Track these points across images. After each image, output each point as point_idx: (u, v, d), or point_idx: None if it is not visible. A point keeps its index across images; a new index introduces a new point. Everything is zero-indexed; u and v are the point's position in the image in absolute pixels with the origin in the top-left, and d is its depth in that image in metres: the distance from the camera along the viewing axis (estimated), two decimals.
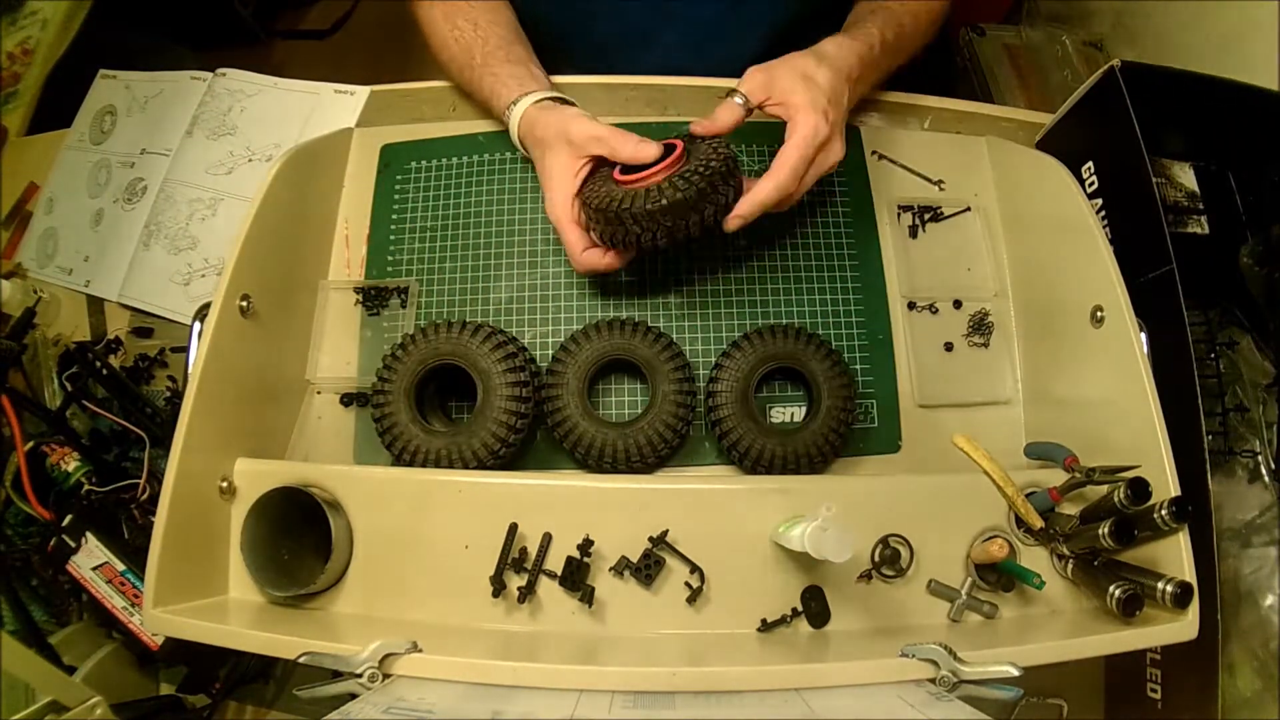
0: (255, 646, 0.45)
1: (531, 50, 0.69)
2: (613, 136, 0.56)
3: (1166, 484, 0.47)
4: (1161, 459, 0.48)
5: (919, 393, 0.63)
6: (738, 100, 0.56)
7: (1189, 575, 0.46)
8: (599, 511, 0.50)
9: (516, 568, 0.49)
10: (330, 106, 0.76)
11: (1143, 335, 0.52)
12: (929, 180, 0.70)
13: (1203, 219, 0.66)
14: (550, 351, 0.61)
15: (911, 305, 0.66)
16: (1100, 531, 0.46)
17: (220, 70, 0.81)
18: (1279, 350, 0.61)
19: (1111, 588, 0.45)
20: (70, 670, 0.55)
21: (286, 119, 0.77)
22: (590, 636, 0.49)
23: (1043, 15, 1.09)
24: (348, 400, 0.63)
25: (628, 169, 0.55)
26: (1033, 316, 0.64)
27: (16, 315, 0.69)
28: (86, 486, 0.61)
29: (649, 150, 0.54)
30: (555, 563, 0.49)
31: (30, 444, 0.61)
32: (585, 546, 0.49)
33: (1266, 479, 0.58)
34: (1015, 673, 0.40)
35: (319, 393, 0.64)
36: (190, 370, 0.52)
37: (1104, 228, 0.58)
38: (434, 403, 0.62)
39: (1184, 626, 0.46)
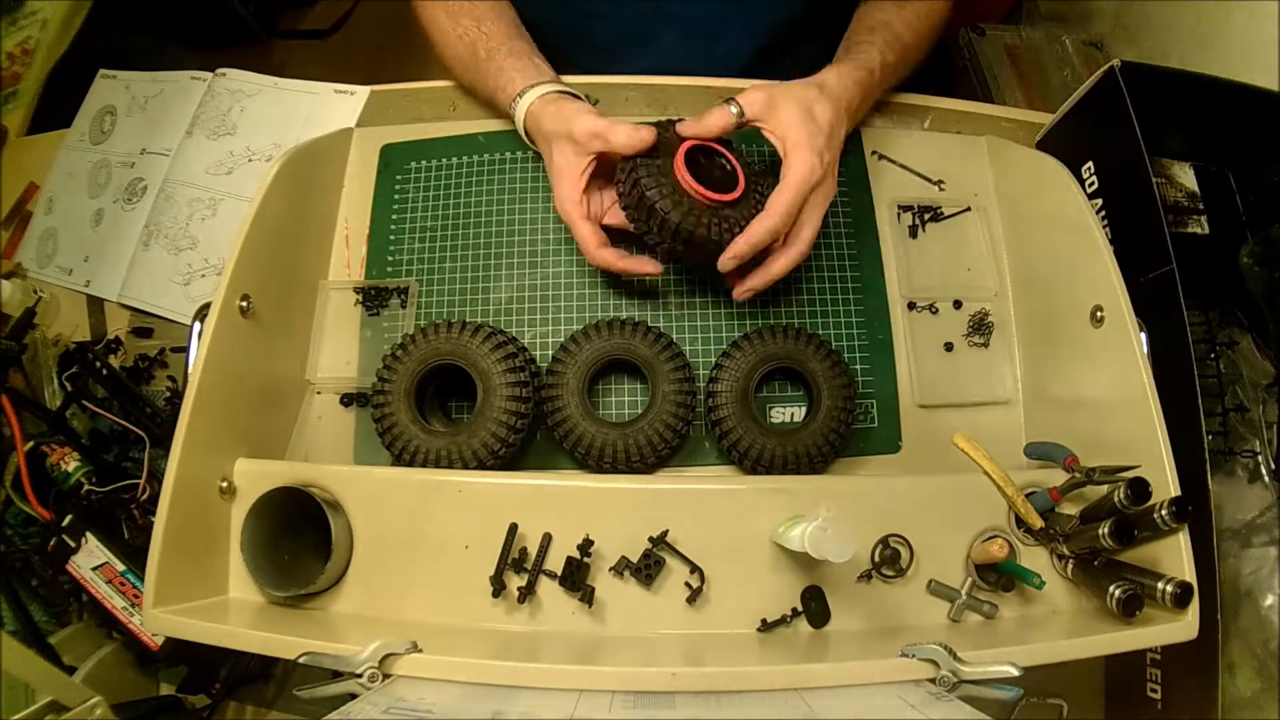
0: (255, 646, 0.45)
1: (534, 45, 0.69)
2: (610, 131, 0.55)
3: (1166, 484, 0.47)
4: (1161, 459, 0.48)
5: (919, 393, 0.63)
6: (733, 110, 0.56)
7: (1189, 575, 0.46)
8: (599, 511, 0.50)
9: (516, 568, 0.49)
10: (330, 106, 0.77)
11: (1143, 335, 0.52)
12: (929, 180, 0.70)
13: (1203, 219, 0.66)
14: (550, 351, 0.61)
15: (911, 305, 0.66)
16: (1100, 531, 0.46)
17: (220, 70, 0.81)
18: (1279, 350, 0.61)
19: (1111, 588, 0.45)
20: (70, 670, 0.55)
21: (286, 119, 0.77)
22: (590, 636, 0.49)
23: (1043, 15, 1.09)
24: (348, 400, 0.63)
25: (694, 169, 0.55)
26: (1033, 316, 0.64)
27: (16, 315, 0.69)
28: (86, 486, 0.61)
29: (642, 136, 0.54)
30: (555, 563, 0.49)
31: (30, 444, 0.61)
32: (585, 546, 0.49)
33: (1266, 479, 0.58)
34: (1015, 673, 0.40)
35: (319, 393, 0.64)
36: (190, 370, 0.52)
37: (1104, 228, 0.58)
38: (434, 403, 0.62)
39: (1184, 626, 0.46)
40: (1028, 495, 0.50)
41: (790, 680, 0.41)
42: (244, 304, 0.54)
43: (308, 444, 0.62)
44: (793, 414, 0.63)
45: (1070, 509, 0.50)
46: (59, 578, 0.59)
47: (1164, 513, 0.45)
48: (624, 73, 0.74)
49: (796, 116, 0.55)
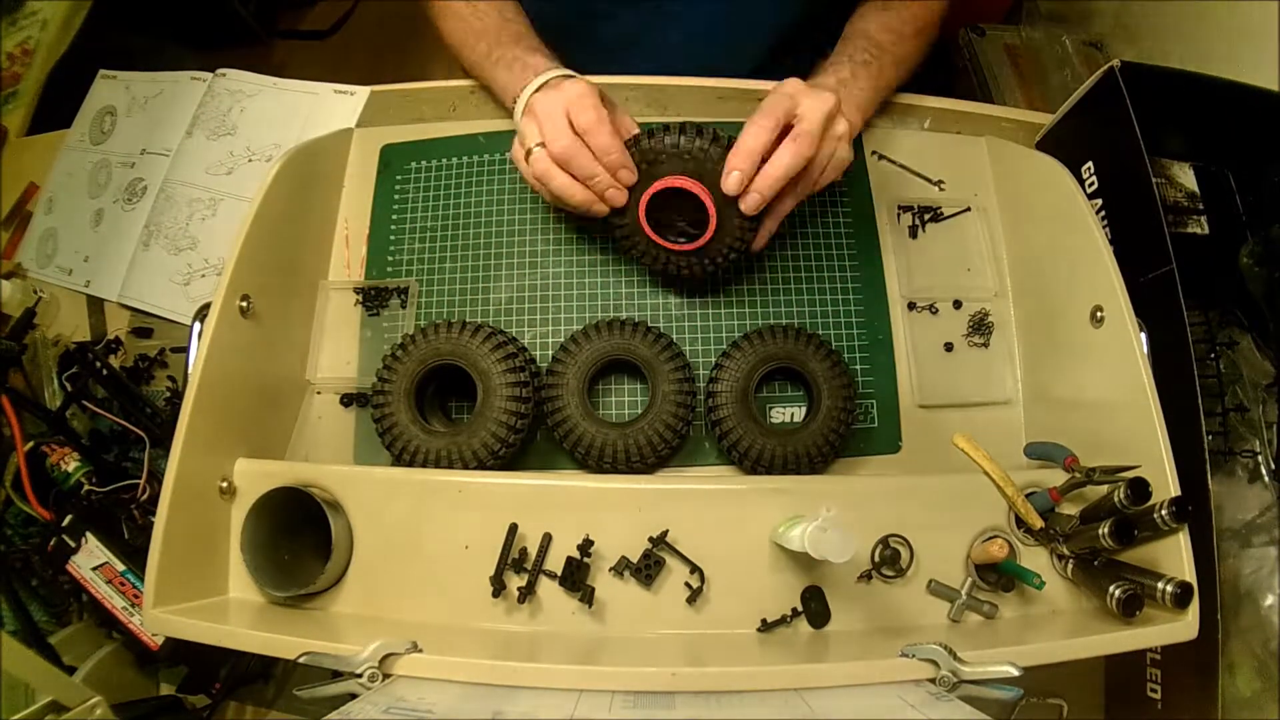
0: (255, 646, 0.45)
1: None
2: (596, 133, 0.52)
3: (1166, 484, 0.47)
4: (1161, 459, 0.48)
5: (919, 393, 0.63)
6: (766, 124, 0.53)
7: (1189, 575, 0.46)
8: (599, 511, 0.50)
9: (516, 568, 0.49)
10: (330, 106, 0.77)
11: (1143, 335, 0.52)
12: (929, 180, 0.70)
13: (1203, 219, 0.66)
14: (550, 351, 0.61)
15: (911, 305, 0.66)
16: (1100, 531, 0.46)
17: (220, 70, 0.81)
18: (1279, 350, 0.61)
19: (1111, 588, 0.45)
20: (70, 670, 0.55)
21: (286, 119, 0.77)
22: (590, 636, 0.49)
23: (1043, 15, 1.09)
24: (348, 400, 0.63)
25: (662, 213, 0.56)
26: (1033, 316, 0.64)
27: (16, 315, 0.69)
28: (86, 486, 0.61)
29: (612, 203, 0.54)
30: (555, 563, 0.49)
31: (30, 444, 0.61)
32: (585, 547, 0.49)
33: (1266, 479, 0.58)
34: (1015, 673, 0.40)
35: (319, 393, 0.64)
36: (190, 370, 0.52)
37: (1104, 228, 0.58)
38: (434, 403, 0.62)
39: (1184, 626, 0.46)
40: (1028, 495, 0.50)
41: (790, 680, 0.41)
42: (244, 304, 0.54)
43: (308, 444, 0.62)
44: (793, 414, 0.63)
45: (1070, 509, 0.50)
46: (59, 578, 0.59)
47: (1164, 513, 0.45)
48: (625, 73, 0.74)
49: (799, 89, 0.54)
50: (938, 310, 0.66)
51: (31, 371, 0.68)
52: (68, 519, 0.59)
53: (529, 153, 0.56)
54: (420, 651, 0.42)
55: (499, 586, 0.48)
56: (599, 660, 0.45)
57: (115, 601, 0.57)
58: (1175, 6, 0.85)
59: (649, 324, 0.60)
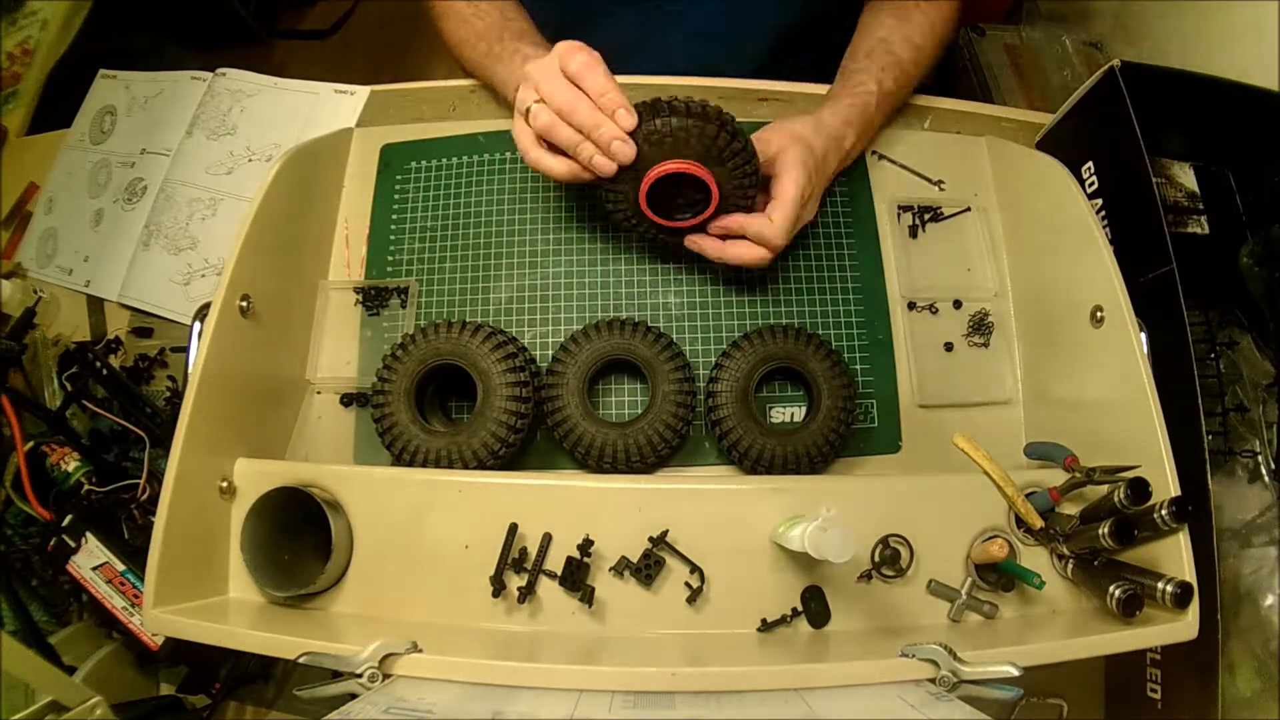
0: (255, 646, 0.45)
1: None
2: (591, 75, 0.52)
3: (1166, 484, 0.47)
4: (1161, 459, 0.48)
5: (919, 393, 0.63)
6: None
7: (1189, 575, 0.46)
8: (599, 511, 0.50)
9: (516, 568, 0.49)
10: (330, 106, 0.77)
11: (1143, 335, 0.52)
12: (929, 180, 0.70)
13: (1203, 219, 0.66)
14: (550, 351, 0.61)
15: (911, 305, 0.66)
16: (1100, 531, 0.46)
17: (220, 70, 0.81)
18: (1279, 350, 0.61)
19: (1111, 588, 0.45)
20: (70, 670, 0.55)
21: (286, 119, 0.77)
22: (590, 636, 0.49)
23: (1043, 15, 1.09)
24: (348, 400, 0.63)
25: (663, 193, 0.56)
26: (1033, 317, 0.64)
27: (16, 315, 0.69)
28: (86, 486, 0.61)
29: (617, 157, 0.53)
30: (555, 563, 0.49)
31: (30, 444, 0.61)
32: (585, 546, 0.49)
33: (1266, 479, 0.58)
34: (1015, 673, 0.40)
35: (319, 393, 0.64)
36: (190, 370, 0.52)
37: (1104, 228, 0.58)
38: (434, 403, 0.62)
39: (1184, 626, 0.46)
40: (1028, 495, 0.50)
41: (790, 680, 0.41)
42: (244, 304, 0.54)
43: (308, 444, 0.62)
44: (793, 414, 0.63)
45: (1070, 509, 0.50)
46: (59, 578, 0.59)
47: (1164, 513, 0.45)
48: (625, 73, 0.73)
49: (789, 141, 0.58)
50: (938, 310, 0.66)
51: (31, 371, 0.68)
52: (68, 519, 0.59)
53: (528, 112, 0.54)
54: (420, 651, 0.42)
55: (499, 586, 0.48)
56: (599, 660, 0.45)
57: (115, 601, 0.57)
58: (1175, 6, 0.85)
59: (649, 324, 0.60)
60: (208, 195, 0.75)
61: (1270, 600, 0.56)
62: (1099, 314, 0.54)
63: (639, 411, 0.60)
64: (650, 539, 0.49)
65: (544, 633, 0.49)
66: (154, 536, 0.47)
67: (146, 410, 0.66)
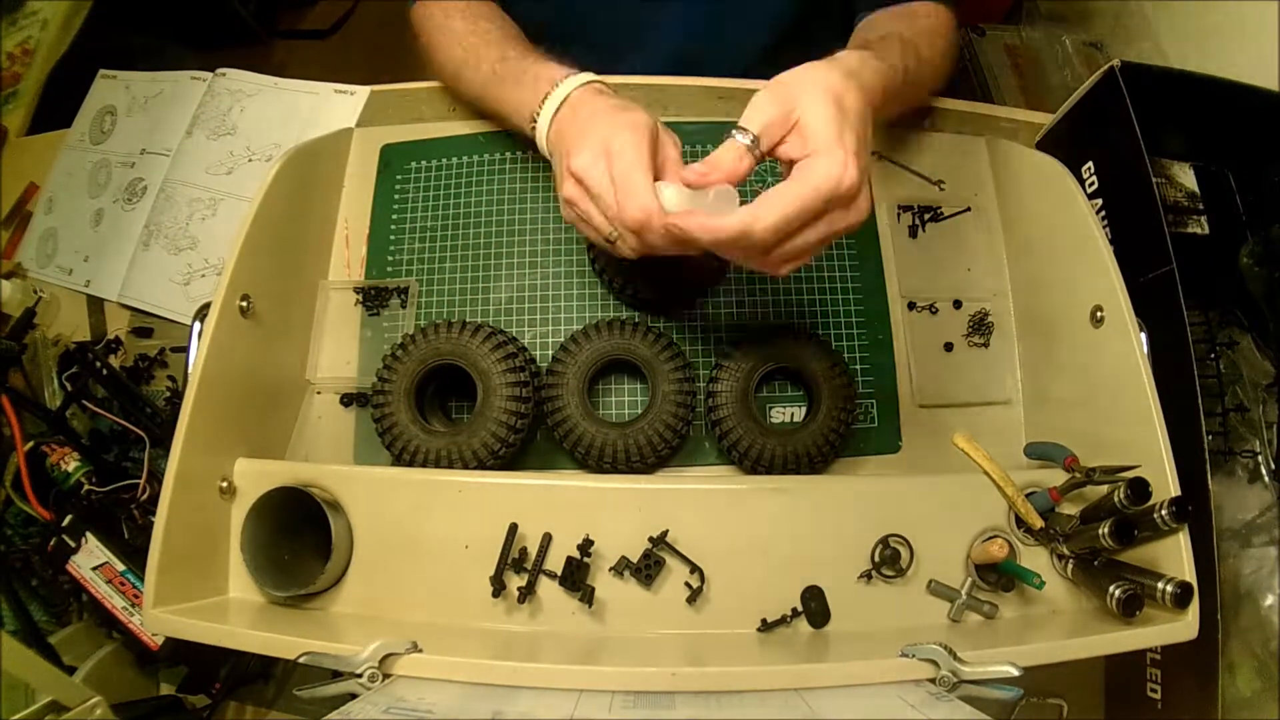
0: (255, 646, 0.45)
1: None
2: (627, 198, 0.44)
3: (1166, 484, 0.47)
4: (1161, 459, 0.48)
5: (919, 393, 0.63)
6: (743, 139, 0.43)
7: (1189, 575, 0.46)
8: (599, 511, 0.50)
9: (516, 568, 0.49)
10: (330, 106, 0.76)
11: (1143, 335, 0.52)
12: (929, 180, 0.70)
13: (1203, 219, 0.66)
14: (550, 351, 0.61)
15: (911, 305, 0.66)
16: (1100, 531, 0.46)
17: (220, 70, 0.81)
18: (1279, 350, 0.61)
19: (1111, 588, 0.45)
20: (70, 670, 0.55)
21: (286, 119, 0.77)
22: (590, 636, 0.49)
23: (1043, 15, 1.09)
24: (348, 400, 0.63)
25: None
26: (1033, 316, 0.64)
27: (16, 315, 0.69)
28: (86, 486, 0.61)
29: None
30: (555, 563, 0.49)
31: (30, 444, 0.61)
32: (585, 546, 0.49)
33: (1266, 479, 0.58)
34: (1015, 673, 0.40)
35: (319, 393, 0.64)
36: (190, 370, 0.52)
37: (1104, 228, 0.58)
38: (434, 403, 0.62)
39: (1184, 626, 0.46)
40: (1028, 495, 0.50)
41: (790, 680, 0.41)
42: (244, 304, 0.54)
43: (308, 444, 0.62)
44: (793, 414, 0.63)
45: (1070, 509, 0.50)
46: (59, 578, 0.59)
47: (1164, 513, 0.45)
48: (624, 72, 0.74)
49: (822, 104, 0.42)
50: (938, 310, 0.66)
51: (31, 371, 0.68)
52: (68, 519, 0.59)
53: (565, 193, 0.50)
54: (420, 651, 0.42)
55: (499, 586, 0.48)
56: (599, 660, 0.45)
57: (115, 601, 0.57)
58: (1175, 6, 0.85)
59: (649, 324, 0.60)
60: (208, 195, 0.75)
61: (1270, 600, 0.56)
62: (1099, 314, 0.54)
63: (639, 411, 0.60)
64: (650, 539, 0.49)
65: (544, 633, 0.49)
66: (154, 536, 0.47)
67: (146, 410, 0.66)
